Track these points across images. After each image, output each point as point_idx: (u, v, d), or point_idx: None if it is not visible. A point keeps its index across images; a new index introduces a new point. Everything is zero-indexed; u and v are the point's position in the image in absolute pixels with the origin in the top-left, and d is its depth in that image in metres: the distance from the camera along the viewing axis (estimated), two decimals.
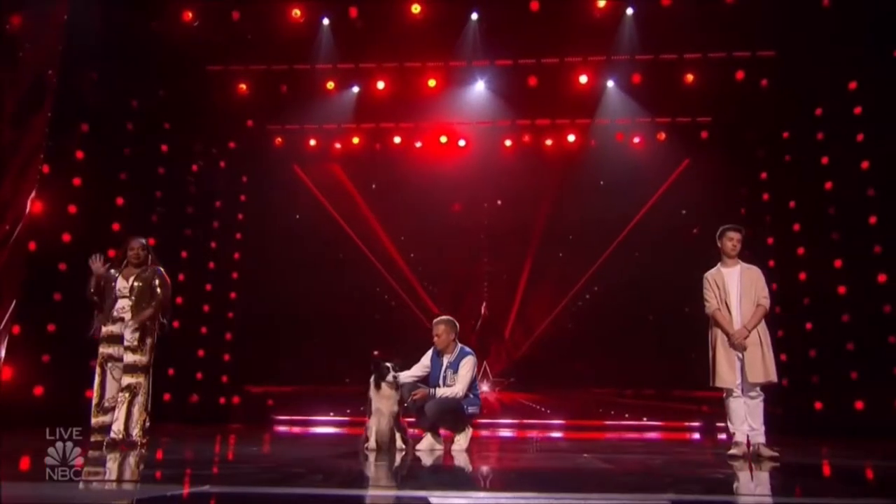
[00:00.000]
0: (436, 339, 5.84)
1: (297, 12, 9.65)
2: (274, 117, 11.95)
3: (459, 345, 5.85)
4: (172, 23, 9.85)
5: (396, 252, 12.41)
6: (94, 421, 5.71)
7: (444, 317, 5.93)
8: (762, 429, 5.23)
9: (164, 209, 10.59)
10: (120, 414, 5.53)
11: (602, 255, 11.88)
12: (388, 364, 5.53)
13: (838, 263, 9.17)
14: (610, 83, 10.72)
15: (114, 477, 4.17)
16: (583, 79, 10.53)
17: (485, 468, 4.97)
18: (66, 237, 9.18)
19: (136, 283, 5.81)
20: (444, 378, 5.73)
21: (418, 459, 5.24)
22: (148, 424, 5.68)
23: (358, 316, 12.01)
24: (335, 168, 12.52)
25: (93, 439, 5.61)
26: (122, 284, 5.85)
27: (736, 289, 5.33)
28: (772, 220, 10.58)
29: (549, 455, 6.23)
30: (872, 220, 8.65)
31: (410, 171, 12.20)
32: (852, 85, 9.06)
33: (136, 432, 5.57)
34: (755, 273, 5.39)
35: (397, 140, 12.17)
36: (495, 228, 12.24)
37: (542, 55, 10.36)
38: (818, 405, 9.35)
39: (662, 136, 11.60)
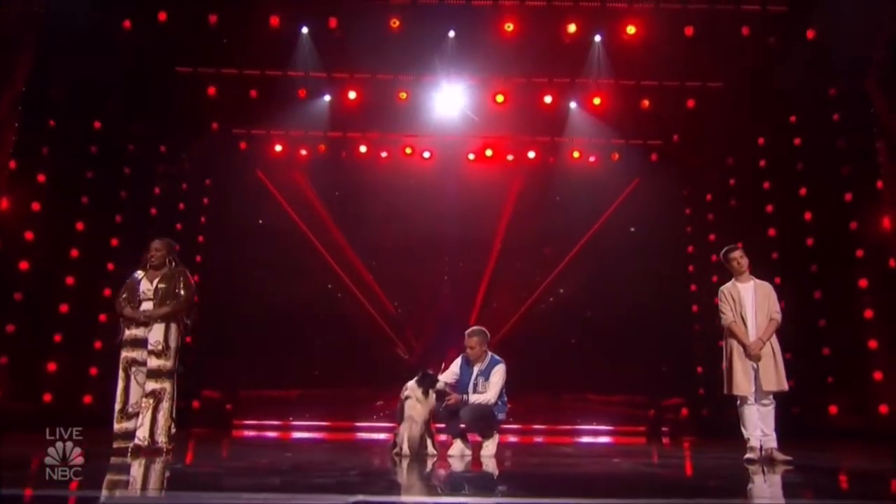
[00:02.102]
0: (469, 350, 6.01)
1: (276, 19, 9.75)
2: (241, 121, 11.95)
3: (490, 353, 6.04)
4: (146, 22, 9.76)
5: (358, 259, 12.58)
6: (117, 427, 5.55)
7: (476, 328, 6.10)
8: (774, 434, 5.56)
9: (129, 209, 10.44)
10: (145, 420, 5.41)
11: (558, 267, 12.47)
12: (437, 376, 5.75)
13: (777, 280, 9.91)
14: (573, 104, 11.28)
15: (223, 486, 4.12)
16: (547, 99, 11.05)
17: (558, 474, 5.15)
18: (29, 235, 8.96)
19: (160, 286, 5.70)
20: (476, 385, 5.93)
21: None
22: (174, 431, 5.59)
23: (319, 322, 12.10)
24: (299, 174, 12.60)
25: (116, 446, 5.49)
26: (145, 287, 5.73)
27: (751, 303, 5.67)
28: (716, 238, 11.37)
29: (584, 460, 6.50)
30: (809, 241, 9.51)
31: (375, 181, 12.43)
32: (793, 118, 9.94)
33: (161, 439, 5.45)
34: (768, 288, 5.78)
35: (363, 149, 12.38)
36: (456, 238, 12.59)
37: (510, 74, 10.81)
38: None
39: (616, 156, 12.29)
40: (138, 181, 10.71)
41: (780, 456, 5.46)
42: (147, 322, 5.60)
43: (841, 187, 9.06)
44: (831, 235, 9.19)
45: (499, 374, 5.88)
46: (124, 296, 5.74)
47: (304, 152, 12.43)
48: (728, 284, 5.86)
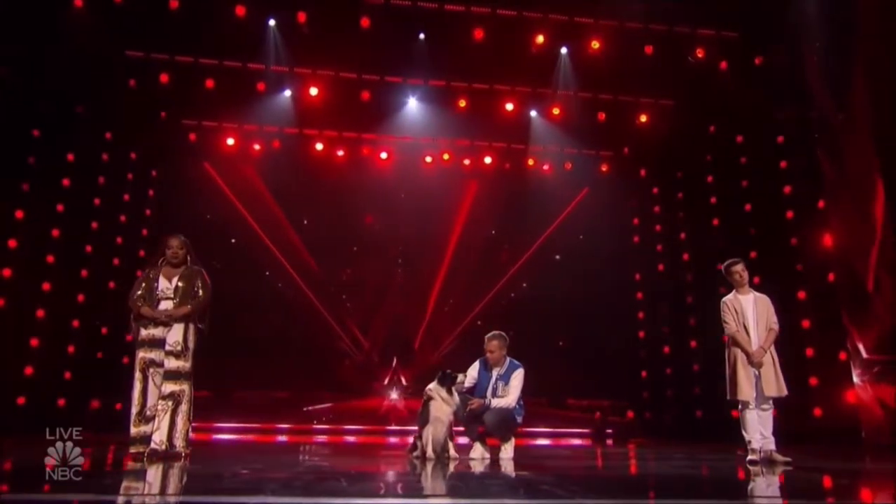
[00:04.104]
0: (489, 354, 6.01)
1: (242, 9, 9.45)
2: (192, 112, 11.54)
3: (508, 357, 6.07)
4: (99, 2, 9.24)
5: (309, 258, 12.38)
6: (133, 431, 5.27)
7: (495, 332, 6.09)
8: (772, 438, 5.87)
9: (72, 199, 9.85)
10: (162, 423, 5.14)
11: (509, 271, 12.70)
12: (456, 374, 5.77)
13: (722, 290, 10.49)
14: (533, 113, 11.52)
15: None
16: (509, 106, 11.22)
17: (607, 477, 5.21)
18: None
19: (179, 284, 5.45)
20: (496, 389, 5.94)
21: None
22: (191, 434, 5.37)
23: (267, 322, 11.82)
24: (251, 170, 12.27)
25: (132, 450, 5.22)
26: (164, 285, 5.45)
27: (752, 314, 5.99)
28: (663, 249, 11.90)
29: (588, 462, 6.65)
30: (753, 254, 10.06)
31: (329, 179, 12.30)
32: (739, 138, 10.52)
33: (179, 443, 5.21)
34: (766, 301, 6.09)
35: (319, 147, 12.18)
36: (410, 240, 12.63)
37: (475, 80, 10.93)
38: (698, 413, 10.72)
39: (569, 165, 12.64)
40: (82, 169, 10.11)
41: (779, 457, 5.78)
42: (167, 322, 5.34)
43: (783, 205, 9.66)
44: (773, 250, 9.75)
45: (519, 378, 5.94)
46: (139, 293, 5.43)
47: (257, 147, 12.12)
48: (729, 296, 6.16)
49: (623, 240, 12.52)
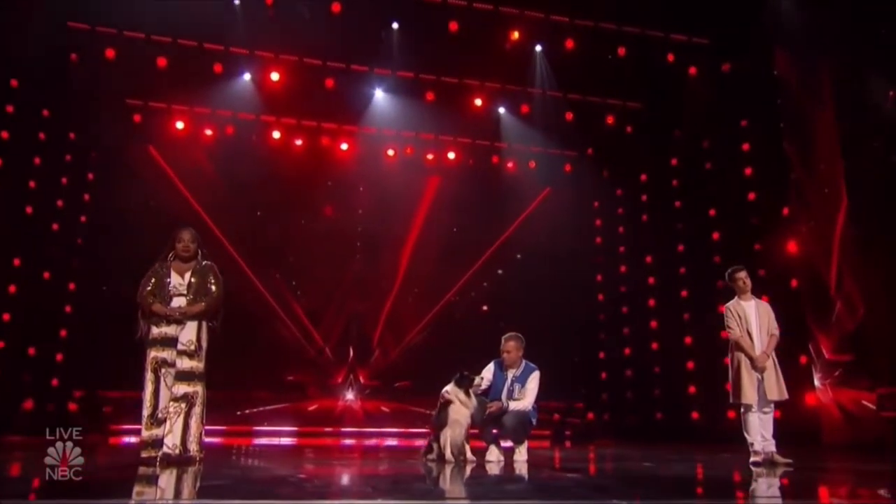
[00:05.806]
0: (505, 355, 5.84)
1: None
2: (139, 92, 10.76)
3: (524, 359, 5.90)
4: None
5: (263, 251, 11.77)
6: (145, 434, 4.86)
7: (512, 333, 5.91)
8: (773, 440, 5.88)
9: (4, 180, 8.98)
10: (175, 426, 4.75)
11: (470, 269, 12.47)
12: (473, 377, 5.60)
13: (684, 293, 10.70)
14: (502, 110, 11.33)
15: None
16: (477, 102, 11.01)
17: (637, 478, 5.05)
18: None
19: (193, 280, 4.99)
20: (512, 391, 5.79)
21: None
22: (204, 438, 4.98)
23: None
24: (201, 155, 11.55)
25: (144, 455, 4.80)
26: (176, 281, 4.98)
27: (755, 320, 6.00)
28: (626, 251, 11.95)
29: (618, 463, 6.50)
30: (717, 259, 10.24)
31: (285, 169, 11.73)
32: (705, 143, 10.66)
33: (193, 447, 4.82)
34: (767, 307, 6.13)
35: (276, 135, 11.60)
36: (368, 234, 12.23)
37: (444, 73, 10.66)
38: (658, 415, 10.82)
39: (533, 164, 12.53)
40: (17, 148, 9.26)
41: (780, 459, 5.83)
42: (181, 320, 4.88)
43: (748, 211, 9.84)
44: (737, 255, 9.88)
45: (535, 381, 5.82)
46: (148, 289, 4.93)
47: (209, 132, 11.41)
48: (732, 302, 6.17)
49: (585, 241, 12.49)
